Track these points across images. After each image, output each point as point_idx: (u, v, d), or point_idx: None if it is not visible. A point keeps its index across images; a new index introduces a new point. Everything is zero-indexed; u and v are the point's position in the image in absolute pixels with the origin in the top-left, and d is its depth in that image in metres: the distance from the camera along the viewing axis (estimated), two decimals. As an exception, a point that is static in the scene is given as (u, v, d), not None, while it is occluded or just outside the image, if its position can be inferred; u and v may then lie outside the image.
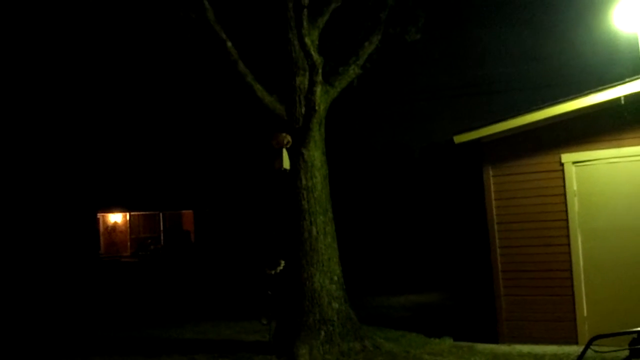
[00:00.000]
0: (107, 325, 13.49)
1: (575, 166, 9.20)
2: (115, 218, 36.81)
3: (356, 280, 11.21)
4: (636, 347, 4.04)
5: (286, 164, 9.65)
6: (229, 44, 9.36)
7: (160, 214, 37.08)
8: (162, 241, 35.56)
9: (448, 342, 9.85)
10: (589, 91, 8.99)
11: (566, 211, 9.23)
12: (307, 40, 8.84)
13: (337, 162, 11.06)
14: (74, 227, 26.45)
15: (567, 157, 9.24)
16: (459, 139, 9.85)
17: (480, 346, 9.37)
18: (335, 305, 9.45)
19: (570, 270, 9.17)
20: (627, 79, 8.71)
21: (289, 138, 9.62)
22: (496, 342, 9.50)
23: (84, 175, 25.63)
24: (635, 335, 4.06)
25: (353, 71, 10.16)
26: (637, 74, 8.77)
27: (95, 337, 11.99)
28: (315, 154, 9.73)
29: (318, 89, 9.19)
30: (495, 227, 9.74)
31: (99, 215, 35.54)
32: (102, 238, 36.29)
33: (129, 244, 36.66)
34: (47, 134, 22.59)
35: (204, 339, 11.23)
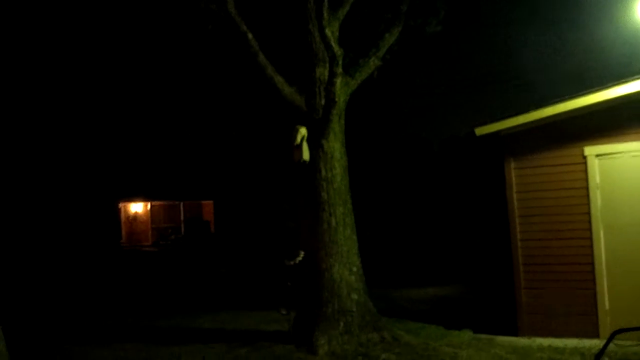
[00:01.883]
0: (127, 313, 13.62)
1: (598, 159, 9.10)
2: (137, 208, 37.11)
3: (375, 272, 11.20)
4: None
5: (306, 155, 9.65)
6: (250, 35, 9.37)
7: (181, 204, 37.31)
8: (182, 231, 35.79)
9: (467, 334, 9.82)
10: (612, 83, 8.88)
11: (588, 204, 9.14)
12: (328, 31, 8.81)
13: (357, 154, 11.03)
14: (96, 216, 26.71)
15: (590, 150, 9.14)
16: (480, 131, 9.78)
17: (500, 339, 9.33)
18: (354, 296, 9.45)
19: (592, 264, 9.09)
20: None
21: (303, 132, 9.62)
22: (516, 335, 9.46)
23: (106, 166, 25.84)
24: (657, 330, 4.03)
25: (373, 63, 10.12)
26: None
27: (116, 326, 12.12)
28: (335, 146, 9.72)
29: (338, 81, 9.16)
30: (516, 220, 9.67)
31: (121, 205, 35.85)
32: (123, 227, 36.61)
33: (149, 233, 36.94)
34: (70, 125, 22.78)
35: (224, 329, 11.30)
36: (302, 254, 9.83)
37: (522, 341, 9.14)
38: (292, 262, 9.95)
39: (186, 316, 12.92)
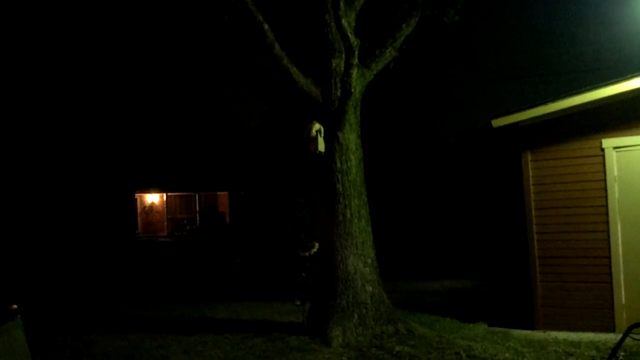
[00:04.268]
0: (143, 303, 13.71)
1: (617, 151, 9.01)
2: (153, 199, 37.31)
3: (390, 265, 11.20)
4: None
5: (321, 147, 9.64)
6: (266, 26, 9.33)
7: (196, 195, 37.46)
8: (197, 222, 35.96)
9: (482, 327, 9.79)
10: (631, 75, 8.78)
11: (606, 197, 9.07)
12: (344, 22, 8.77)
13: (372, 146, 11.00)
14: (112, 207, 26.87)
15: (608, 142, 9.06)
16: (497, 122, 9.72)
17: (515, 332, 9.30)
18: (369, 288, 9.44)
19: (609, 257, 9.02)
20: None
21: (317, 126, 9.61)
22: (531, 328, 9.43)
23: (122, 157, 25.97)
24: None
25: (390, 54, 10.07)
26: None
27: (132, 315, 12.20)
28: (351, 137, 9.69)
29: (354, 72, 9.12)
30: (533, 212, 9.62)
31: (137, 195, 36.06)
32: (139, 218, 36.83)
33: (165, 224, 37.14)
34: (87, 116, 22.91)
35: (238, 319, 11.35)
36: (316, 245, 9.83)
37: (537, 335, 9.11)
38: (306, 254, 9.95)
39: (201, 306, 12.99)
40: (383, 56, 10.02)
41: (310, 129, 9.69)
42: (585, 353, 7.77)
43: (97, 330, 10.56)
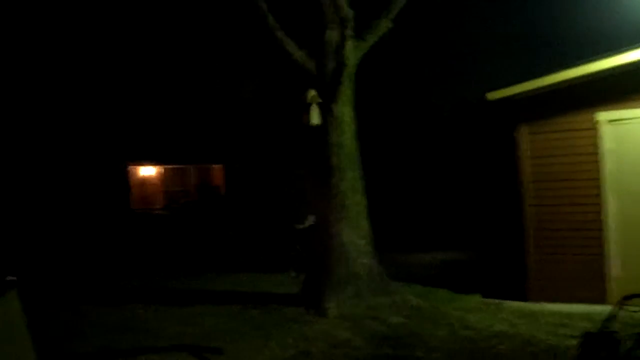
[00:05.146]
0: (139, 275, 13.77)
1: (611, 125, 9.02)
2: (147, 171, 37.22)
3: (385, 237, 11.25)
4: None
5: (315, 119, 9.62)
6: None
7: (191, 168, 37.39)
8: (193, 194, 35.93)
9: (476, 298, 9.88)
10: (625, 48, 8.77)
11: (599, 170, 9.10)
12: (339, -7, 8.71)
13: (367, 118, 10.98)
14: (105, 179, 26.83)
15: (602, 116, 9.06)
16: (492, 96, 9.70)
17: (509, 303, 9.38)
18: (364, 260, 9.51)
19: (601, 230, 9.08)
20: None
21: (313, 93, 9.58)
22: (524, 299, 9.51)
23: (114, 128, 25.85)
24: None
25: (384, 25, 10.00)
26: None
27: (128, 287, 12.26)
28: (345, 110, 9.67)
29: (348, 43, 9.10)
30: (527, 185, 9.65)
31: (131, 168, 35.95)
32: (134, 191, 36.76)
33: (161, 196, 37.10)
34: (78, 89, 22.75)
35: (235, 291, 11.42)
36: (312, 218, 9.87)
37: (530, 306, 9.19)
38: (302, 226, 10.01)
39: (198, 278, 13.06)
40: (378, 28, 9.95)
41: (305, 97, 9.67)
42: (578, 324, 7.86)
43: (93, 301, 10.63)
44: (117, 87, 23.91)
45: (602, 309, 8.33)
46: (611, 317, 3.94)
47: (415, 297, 9.64)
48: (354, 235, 9.53)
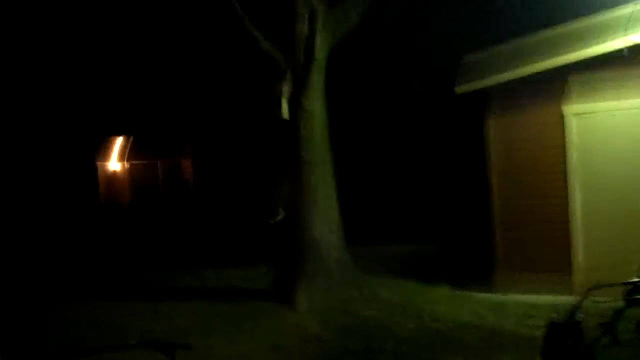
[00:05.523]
0: (108, 271, 13.62)
1: (576, 118, 9.15)
2: (114, 167, 36.80)
3: (355, 229, 11.27)
4: (632, 297, 4.09)
5: (285, 113, 9.59)
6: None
7: (159, 162, 37.04)
8: (161, 188, 35.61)
9: (445, 290, 9.94)
10: (591, 42, 8.88)
11: (565, 163, 9.23)
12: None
13: (338, 109, 10.96)
14: (74, 176, 26.47)
15: (568, 109, 9.19)
16: (461, 89, 9.78)
17: (477, 295, 9.48)
18: (334, 254, 9.54)
19: (568, 221, 9.21)
20: (629, 30, 8.58)
21: (285, 88, 9.55)
22: (492, 291, 9.61)
23: (83, 123, 25.47)
24: (631, 286, 4.11)
25: (354, 18, 9.99)
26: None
27: (97, 283, 12.12)
28: (315, 104, 9.66)
29: (318, 37, 9.09)
30: (495, 177, 9.76)
31: (98, 164, 35.50)
32: (102, 187, 36.32)
33: (128, 192, 36.71)
34: (45, 81, 22.36)
35: (204, 286, 11.36)
36: (282, 212, 9.86)
37: (498, 297, 9.30)
38: (272, 221, 9.98)
39: (167, 273, 12.94)
40: (347, 21, 9.93)
41: (275, 91, 9.62)
42: (545, 315, 7.95)
43: (61, 299, 10.48)
44: (82, 82, 23.52)
45: (568, 300, 8.48)
46: (577, 308, 4.00)
47: (385, 290, 9.68)
48: (325, 229, 9.55)
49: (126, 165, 36.45)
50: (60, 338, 8.01)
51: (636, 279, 4.10)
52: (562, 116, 9.20)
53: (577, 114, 9.14)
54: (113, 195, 36.41)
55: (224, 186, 24.59)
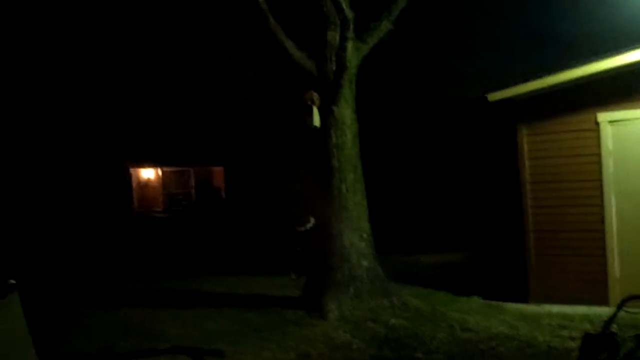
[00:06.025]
0: (139, 277, 13.75)
1: (611, 125, 9.00)
2: (148, 174, 37.22)
3: (385, 238, 11.23)
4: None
5: (316, 121, 9.61)
6: (260, -1, 9.25)
7: (191, 170, 37.36)
8: (193, 197, 35.90)
9: (476, 300, 9.85)
10: (626, 49, 8.75)
11: (600, 171, 9.08)
12: (339, -5, 8.68)
13: (367, 118, 10.95)
14: (107, 182, 26.82)
15: (603, 116, 9.04)
16: (493, 97, 9.69)
17: (509, 305, 9.36)
18: (364, 262, 9.49)
19: (603, 231, 9.06)
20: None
21: (316, 96, 9.56)
22: (526, 301, 9.49)
23: (116, 131, 25.81)
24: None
25: (385, 26, 9.99)
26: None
27: (128, 289, 12.24)
28: (346, 112, 9.66)
29: (349, 45, 9.07)
30: (528, 186, 9.63)
31: (132, 170, 35.94)
32: (135, 194, 36.74)
33: (161, 199, 37.07)
34: (79, 91, 22.73)
35: (234, 293, 11.39)
36: (312, 220, 9.85)
37: (531, 308, 9.17)
38: (302, 228, 9.98)
39: (198, 280, 13.03)
40: (378, 29, 9.94)
41: (306, 99, 9.64)
42: (579, 326, 7.85)
43: (94, 304, 10.60)
44: (118, 90, 23.89)
45: (602, 311, 8.35)
46: (612, 319, 3.91)
47: (415, 299, 9.62)
48: (355, 237, 9.52)
49: (159, 171, 36.88)
50: (91, 343, 8.09)
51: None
52: (597, 123, 9.06)
53: (612, 121, 8.99)
54: (146, 200, 36.77)
55: (255, 193, 24.72)
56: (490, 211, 17.97)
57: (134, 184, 36.81)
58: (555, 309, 8.96)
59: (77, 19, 18.83)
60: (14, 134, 21.07)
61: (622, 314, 4.00)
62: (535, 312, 8.90)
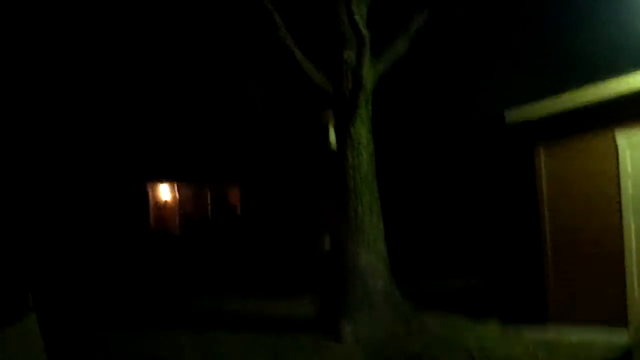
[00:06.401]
0: (156, 298, 13.73)
1: (630, 147, 8.88)
2: (164, 193, 37.31)
3: (402, 260, 11.13)
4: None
5: (332, 142, 9.59)
6: (277, 17, 9.27)
7: (208, 188, 37.43)
8: (209, 215, 35.94)
9: (494, 324, 9.69)
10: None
11: (619, 193, 8.95)
12: (356, 14, 8.69)
13: (383, 140, 10.92)
14: (124, 199, 26.91)
15: (622, 138, 8.92)
16: (511, 116, 9.60)
17: (528, 329, 9.20)
18: (381, 284, 9.40)
19: (623, 254, 8.91)
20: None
21: (332, 116, 9.56)
22: (543, 326, 9.32)
23: (131, 147, 25.92)
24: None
25: (402, 45, 9.96)
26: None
27: (144, 310, 12.22)
28: (362, 132, 9.61)
29: (366, 64, 9.05)
30: (546, 208, 9.52)
31: (149, 187, 36.05)
32: (152, 213, 36.83)
33: (177, 219, 37.15)
34: (94, 107, 22.89)
35: (249, 315, 11.33)
36: (329, 241, 9.80)
37: (549, 332, 9.00)
38: (318, 250, 9.93)
39: (212, 301, 12.98)
40: (395, 48, 9.91)
41: (322, 119, 9.65)
42: (599, 352, 7.70)
43: (111, 326, 10.59)
44: (132, 107, 24.04)
45: (622, 335, 8.18)
46: (632, 346, 3.83)
47: (432, 323, 9.48)
48: (371, 258, 9.43)
49: (175, 187, 36.99)
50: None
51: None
52: (615, 146, 8.94)
53: (631, 144, 8.86)
54: (162, 221, 36.88)
55: (271, 214, 24.68)
56: (508, 232, 17.79)
57: (151, 202, 36.96)
58: (575, 332, 8.78)
59: (98, 33, 18.99)
60: (32, 152, 21.22)
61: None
62: (554, 336, 8.72)
